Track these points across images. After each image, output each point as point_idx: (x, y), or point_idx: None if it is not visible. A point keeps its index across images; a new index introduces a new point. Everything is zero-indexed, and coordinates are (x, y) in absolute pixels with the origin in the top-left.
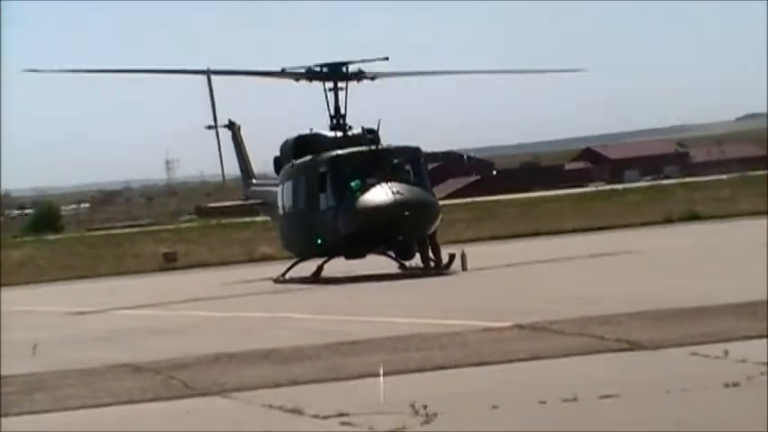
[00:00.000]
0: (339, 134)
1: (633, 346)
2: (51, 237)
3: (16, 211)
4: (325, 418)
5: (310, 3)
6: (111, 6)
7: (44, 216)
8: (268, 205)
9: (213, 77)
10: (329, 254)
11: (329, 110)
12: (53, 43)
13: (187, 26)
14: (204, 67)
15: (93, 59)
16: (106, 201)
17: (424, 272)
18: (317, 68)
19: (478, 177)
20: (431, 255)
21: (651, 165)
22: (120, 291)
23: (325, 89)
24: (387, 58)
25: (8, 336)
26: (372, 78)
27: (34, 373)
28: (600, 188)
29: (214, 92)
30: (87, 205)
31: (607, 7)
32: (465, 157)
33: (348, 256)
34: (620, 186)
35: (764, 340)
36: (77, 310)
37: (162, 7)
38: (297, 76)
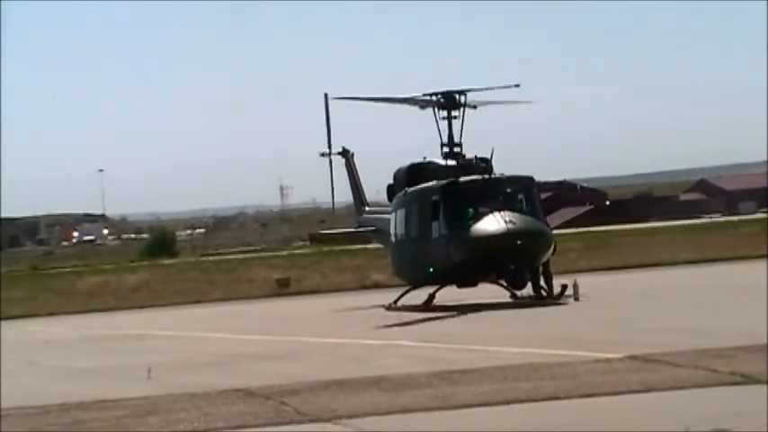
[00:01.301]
0: (452, 162)
1: (747, 379)
2: (167, 261)
3: (133, 235)
4: None
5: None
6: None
7: (160, 241)
8: (380, 232)
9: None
10: (441, 282)
11: (442, 138)
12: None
13: (300, 55)
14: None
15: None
16: (221, 226)
17: (536, 301)
18: (432, 96)
19: (591, 207)
20: (543, 284)
21: (767, 196)
22: (234, 316)
23: (441, 117)
24: (518, 85)
25: (124, 359)
26: (474, 107)
27: (148, 397)
28: (714, 219)
29: (330, 119)
30: (202, 230)
31: (724, 37)
32: (578, 186)
33: (460, 285)
34: (734, 218)
35: None
36: (191, 334)
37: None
38: (412, 104)
